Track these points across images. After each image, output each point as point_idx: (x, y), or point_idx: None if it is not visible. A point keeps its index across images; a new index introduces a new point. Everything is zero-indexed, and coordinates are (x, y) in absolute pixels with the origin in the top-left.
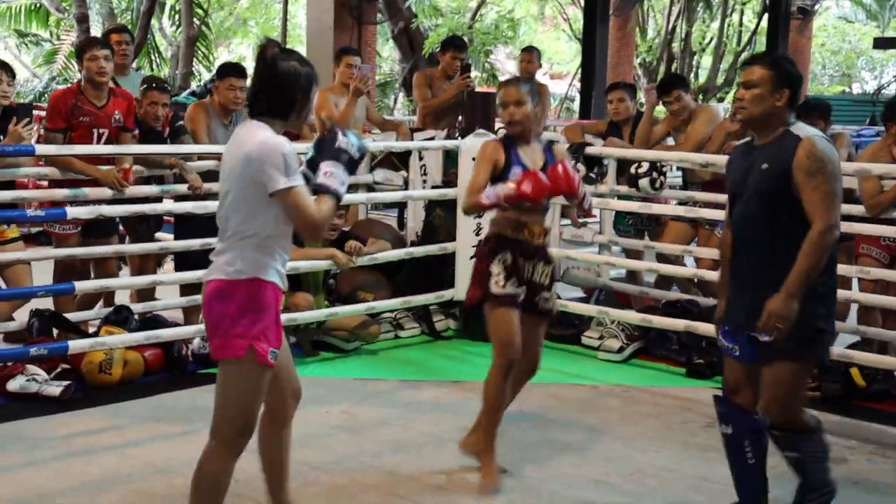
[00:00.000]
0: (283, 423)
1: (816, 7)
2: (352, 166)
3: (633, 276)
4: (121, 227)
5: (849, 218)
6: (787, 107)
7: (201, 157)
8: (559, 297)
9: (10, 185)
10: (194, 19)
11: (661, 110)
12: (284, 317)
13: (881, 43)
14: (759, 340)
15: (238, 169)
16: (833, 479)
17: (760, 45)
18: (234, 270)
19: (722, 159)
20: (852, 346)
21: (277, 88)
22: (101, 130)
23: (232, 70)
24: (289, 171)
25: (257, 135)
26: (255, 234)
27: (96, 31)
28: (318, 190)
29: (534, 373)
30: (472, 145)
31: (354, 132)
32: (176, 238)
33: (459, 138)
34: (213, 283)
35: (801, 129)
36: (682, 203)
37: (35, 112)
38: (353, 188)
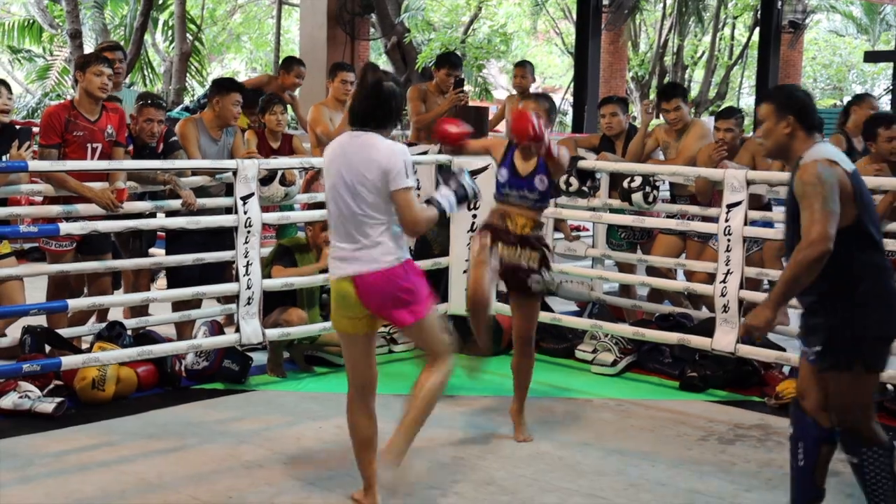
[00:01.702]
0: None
1: (807, 21)
2: (461, 202)
3: (625, 290)
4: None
5: None
6: (800, 130)
7: (195, 172)
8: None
9: (2, 202)
10: (187, 35)
11: (653, 123)
12: (276, 332)
13: (872, 56)
14: (815, 350)
15: (371, 173)
16: None
17: (752, 58)
18: (394, 259)
19: (714, 172)
20: None
21: (384, 105)
22: (94, 145)
23: (235, 86)
24: (409, 172)
25: (381, 143)
26: (388, 225)
27: (89, 47)
28: (428, 201)
29: (529, 346)
30: (464, 160)
31: (473, 179)
32: (168, 254)
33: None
34: (380, 273)
35: (811, 153)
36: (671, 216)
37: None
38: None
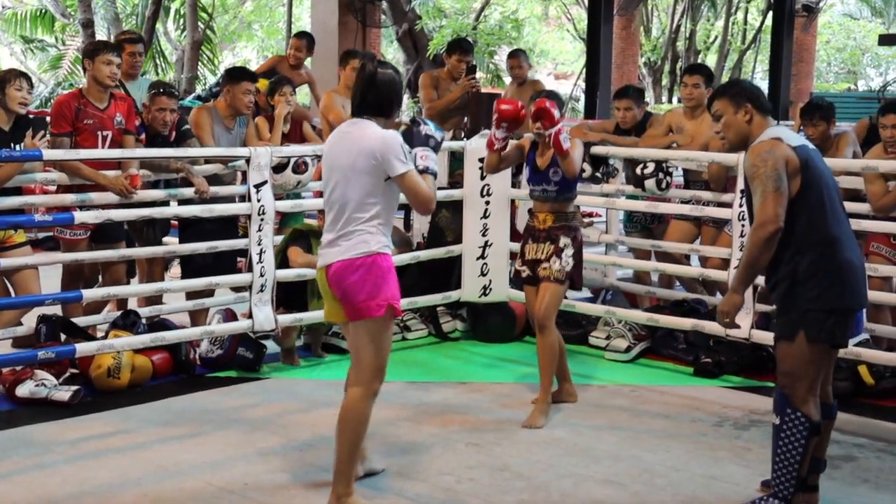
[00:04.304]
0: None
1: (821, 4)
2: (436, 149)
3: (639, 276)
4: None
5: (858, 216)
6: (757, 115)
7: (207, 160)
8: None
9: (17, 190)
10: (199, 23)
11: (666, 108)
12: (289, 318)
13: (886, 40)
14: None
15: (360, 161)
16: (791, 492)
17: (765, 42)
18: (365, 251)
19: (728, 157)
20: (861, 344)
21: (381, 94)
22: (104, 133)
23: (246, 74)
24: (404, 157)
25: (374, 131)
26: (374, 215)
27: (101, 35)
28: (421, 172)
29: (540, 329)
30: (477, 146)
31: (432, 121)
32: (181, 242)
33: (465, 139)
34: (346, 262)
35: (761, 136)
36: (684, 202)
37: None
38: None
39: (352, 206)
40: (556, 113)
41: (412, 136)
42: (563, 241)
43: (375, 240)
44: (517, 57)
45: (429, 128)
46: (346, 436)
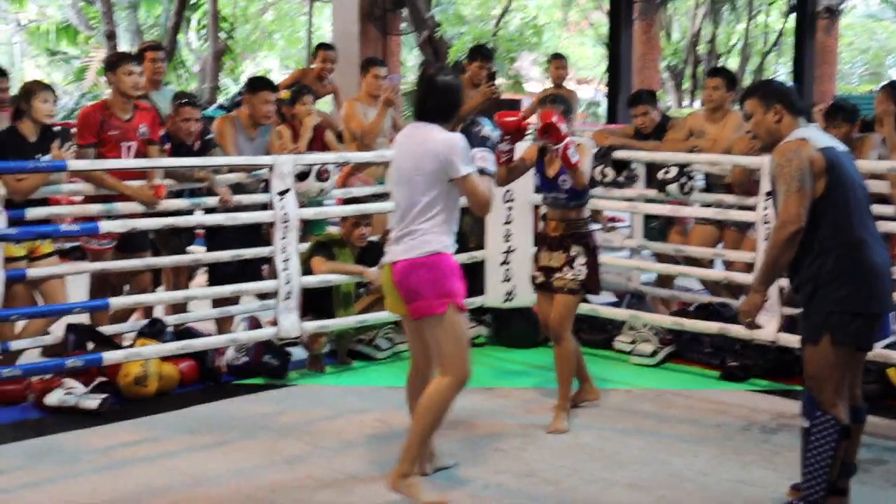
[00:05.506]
0: (427, 381)
1: (843, 6)
2: (493, 149)
3: (662, 280)
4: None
5: (883, 218)
6: (787, 115)
7: (231, 169)
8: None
9: (43, 201)
10: (220, 33)
11: (687, 111)
12: (315, 324)
13: None
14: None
15: (425, 163)
16: (822, 496)
17: (787, 45)
18: (429, 250)
19: (752, 160)
20: (889, 347)
21: (442, 99)
22: (129, 144)
23: (265, 84)
24: (467, 160)
25: (438, 134)
26: (437, 215)
27: (124, 47)
28: (479, 173)
29: (555, 339)
30: None
31: (490, 121)
32: (208, 250)
33: None
34: (408, 261)
35: (788, 137)
36: (707, 205)
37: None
38: (382, 196)
39: (416, 207)
40: (563, 128)
41: (470, 138)
42: (575, 249)
43: (438, 240)
44: (560, 59)
45: (486, 128)
46: (425, 419)
